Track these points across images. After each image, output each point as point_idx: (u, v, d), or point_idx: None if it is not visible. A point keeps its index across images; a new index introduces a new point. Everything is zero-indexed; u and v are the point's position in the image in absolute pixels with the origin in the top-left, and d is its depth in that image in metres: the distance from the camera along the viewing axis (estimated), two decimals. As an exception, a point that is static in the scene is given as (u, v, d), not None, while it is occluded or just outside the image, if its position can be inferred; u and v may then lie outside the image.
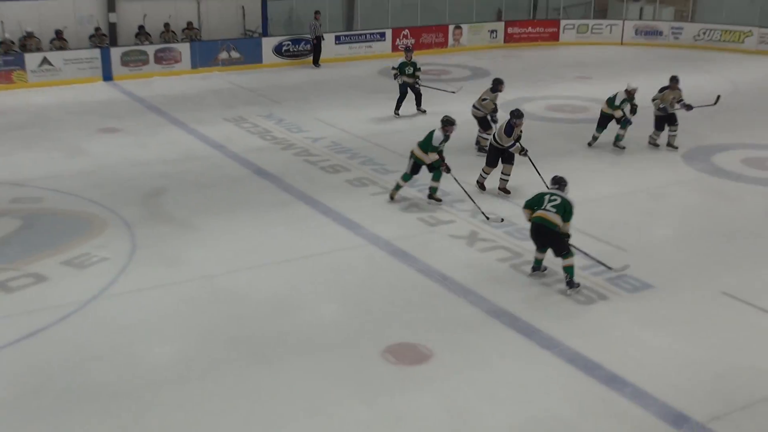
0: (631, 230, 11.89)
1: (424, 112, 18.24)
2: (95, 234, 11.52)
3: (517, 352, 8.61)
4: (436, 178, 12.76)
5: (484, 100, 15.33)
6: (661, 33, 28.48)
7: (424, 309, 9.50)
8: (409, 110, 18.45)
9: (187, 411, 7.43)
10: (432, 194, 12.91)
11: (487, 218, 12.10)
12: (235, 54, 23.75)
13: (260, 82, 22.23)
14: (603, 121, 15.94)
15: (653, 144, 16.13)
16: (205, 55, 23.35)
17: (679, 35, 28.26)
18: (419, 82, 18.26)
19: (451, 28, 27.12)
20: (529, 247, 10.75)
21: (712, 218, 12.58)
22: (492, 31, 27.80)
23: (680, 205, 13.19)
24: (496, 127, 13.95)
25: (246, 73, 23.28)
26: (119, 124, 17.70)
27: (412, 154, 12.70)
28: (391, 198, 12.97)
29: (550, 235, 9.86)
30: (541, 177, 12.67)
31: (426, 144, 12.56)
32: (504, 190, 13.35)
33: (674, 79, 15.88)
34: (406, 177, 12.83)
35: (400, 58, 18.55)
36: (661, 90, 15.87)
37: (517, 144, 13.05)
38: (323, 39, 24.56)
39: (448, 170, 12.61)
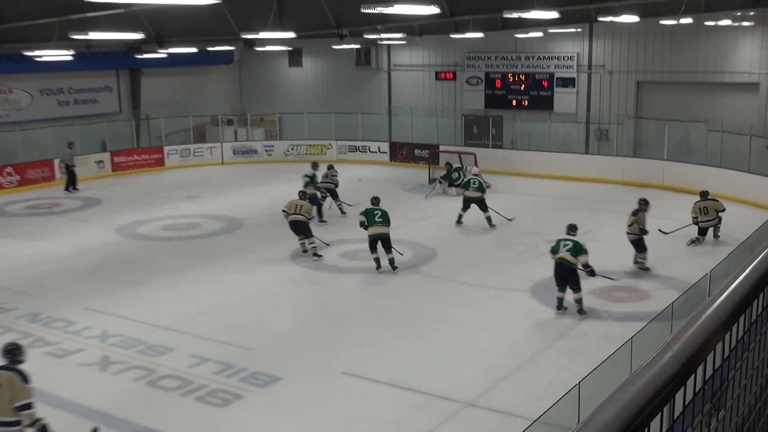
0: (255, 330, 12.10)
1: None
2: None
3: (164, 467, 8.23)
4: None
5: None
6: (256, 151, 29.91)
7: (62, 444, 8.71)
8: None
9: None
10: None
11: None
12: None
13: None
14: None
15: (643, 268, 14.66)
16: None
17: (272, 152, 29.95)
18: None
19: (56, 161, 25.86)
20: (162, 362, 10.50)
21: (322, 307, 13.26)
22: (99, 162, 27.01)
23: (292, 299, 13.73)
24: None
25: None
26: None
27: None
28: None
29: (567, 272, 11.96)
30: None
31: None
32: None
33: (645, 202, 14.76)
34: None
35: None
36: (635, 213, 14.54)
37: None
38: (75, 166, 24.34)
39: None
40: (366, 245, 14.82)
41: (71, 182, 24.18)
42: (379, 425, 9.01)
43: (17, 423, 7.38)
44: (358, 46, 29.86)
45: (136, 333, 11.96)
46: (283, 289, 14.22)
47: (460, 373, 10.38)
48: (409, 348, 11.28)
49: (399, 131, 29.94)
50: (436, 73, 29.69)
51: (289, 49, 31.23)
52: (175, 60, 27.81)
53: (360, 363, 10.73)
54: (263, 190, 23.54)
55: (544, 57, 27.24)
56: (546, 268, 14.92)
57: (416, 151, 28.27)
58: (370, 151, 29.25)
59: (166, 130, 29.97)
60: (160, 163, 28.50)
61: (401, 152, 28.80)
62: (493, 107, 28.34)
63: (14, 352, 7.67)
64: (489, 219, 17.91)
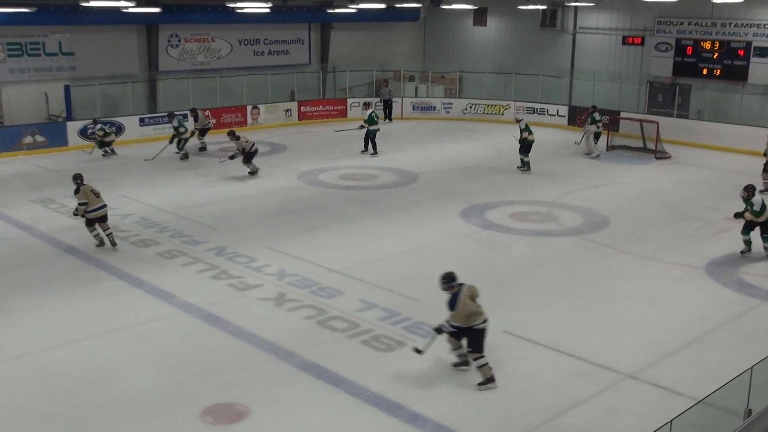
0: (421, 282, 12.26)
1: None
2: None
3: (328, 402, 8.61)
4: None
5: None
6: (434, 108, 29.99)
7: (237, 369, 9.31)
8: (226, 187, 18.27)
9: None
10: None
11: None
12: (39, 138, 22.52)
13: (66, 164, 21.12)
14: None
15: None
16: (8, 139, 22.01)
17: (450, 109, 29.93)
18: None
19: (249, 108, 27.19)
20: (333, 304, 10.88)
21: (488, 266, 13.21)
22: (287, 110, 28.10)
23: (460, 256, 13.76)
24: None
25: (51, 156, 22.07)
26: None
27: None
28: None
29: None
30: None
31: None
32: None
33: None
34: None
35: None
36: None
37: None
38: (393, 101, 29.09)
39: None
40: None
41: (388, 115, 28.77)
42: (537, 387, 8.95)
43: None
44: (544, 7, 29.06)
45: (310, 274, 12.47)
46: (451, 245, 14.28)
47: (623, 344, 10.08)
48: (571, 314, 11.07)
49: (579, 95, 28.96)
50: (623, 38, 28.39)
51: (475, 8, 30.87)
52: (364, 15, 28.24)
53: (521, 324, 10.65)
54: (439, 147, 23.64)
55: (742, 24, 25.34)
56: (724, 246, 14.13)
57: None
58: (548, 114, 28.56)
59: (350, 83, 30.66)
60: (343, 114, 29.22)
61: (580, 117, 27.85)
62: (681, 75, 26.77)
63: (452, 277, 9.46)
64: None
